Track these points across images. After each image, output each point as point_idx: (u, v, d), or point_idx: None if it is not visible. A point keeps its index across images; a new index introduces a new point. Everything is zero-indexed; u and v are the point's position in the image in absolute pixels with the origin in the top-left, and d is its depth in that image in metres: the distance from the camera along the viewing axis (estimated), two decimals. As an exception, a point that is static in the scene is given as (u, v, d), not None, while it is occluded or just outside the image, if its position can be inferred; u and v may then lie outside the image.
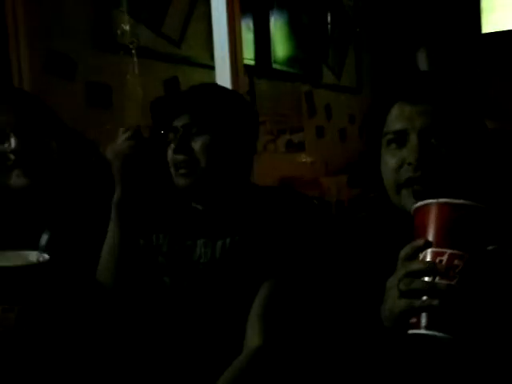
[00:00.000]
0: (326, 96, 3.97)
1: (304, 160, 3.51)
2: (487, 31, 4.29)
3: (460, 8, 4.21)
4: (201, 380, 1.06)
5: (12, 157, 1.14)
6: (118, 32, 2.38)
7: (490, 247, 0.78)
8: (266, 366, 1.03)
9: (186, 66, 2.68)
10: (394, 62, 4.29)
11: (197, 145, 1.12)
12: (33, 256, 0.97)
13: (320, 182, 3.17)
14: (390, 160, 0.97)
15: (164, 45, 2.60)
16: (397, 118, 0.97)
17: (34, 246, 0.99)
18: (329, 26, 4.07)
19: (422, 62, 4.44)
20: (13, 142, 1.13)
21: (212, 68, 2.57)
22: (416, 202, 0.86)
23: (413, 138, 0.94)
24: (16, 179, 1.15)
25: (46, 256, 0.97)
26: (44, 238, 0.99)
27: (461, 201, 0.79)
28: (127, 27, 2.43)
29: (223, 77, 2.37)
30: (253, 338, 1.05)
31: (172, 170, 1.15)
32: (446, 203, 0.79)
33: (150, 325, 1.15)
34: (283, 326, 1.07)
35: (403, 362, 0.89)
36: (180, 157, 1.12)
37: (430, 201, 0.80)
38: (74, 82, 2.16)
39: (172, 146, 1.14)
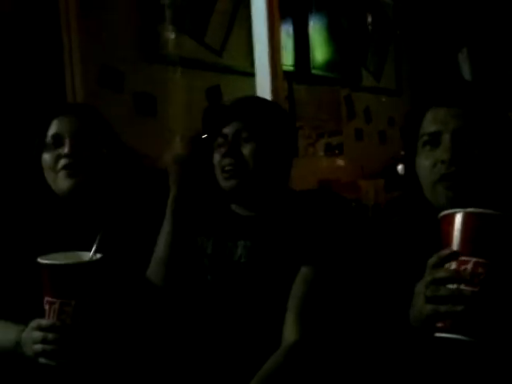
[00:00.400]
0: (366, 99, 3.99)
1: (342, 163, 3.55)
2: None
3: (502, 9, 4.15)
4: (239, 374, 1.14)
5: (64, 161, 1.23)
6: (163, 43, 2.50)
7: None
8: (303, 361, 1.10)
9: (227, 74, 2.78)
10: (434, 63, 4.26)
11: (246, 150, 1.22)
12: (86, 255, 1.07)
13: (358, 185, 3.20)
14: (425, 160, 1.04)
15: (206, 54, 2.71)
16: (431, 121, 1.05)
17: (85, 248, 1.08)
18: (368, 28, 4.07)
19: (464, 64, 4.39)
20: (67, 147, 1.23)
21: (252, 75, 2.65)
22: (451, 195, 0.94)
23: (446, 138, 1.02)
24: (63, 181, 1.23)
25: (99, 255, 1.06)
26: (96, 239, 1.08)
27: (485, 210, 0.83)
28: (171, 38, 2.55)
29: (263, 83, 2.44)
30: (290, 333, 1.13)
31: (219, 173, 1.24)
32: (471, 213, 0.84)
33: (192, 320, 1.23)
34: (319, 322, 1.14)
35: (429, 363, 0.96)
36: (229, 160, 1.22)
37: (456, 210, 0.85)
38: (123, 93, 2.29)
39: (221, 150, 1.23)
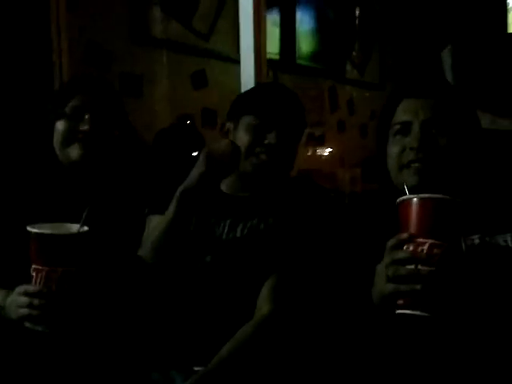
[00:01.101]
0: (349, 91, 4.05)
1: (323, 153, 3.60)
2: (513, 31, 4.29)
3: (486, 8, 4.22)
4: (214, 344, 1.17)
5: (81, 136, 1.25)
6: (151, 25, 2.52)
7: (465, 237, 0.90)
8: (273, 333, 1.15)
9: (213, 59, 2.80)
10: (418, 59, 4.33)
11: (272, 137, 1.27)
12: (74, 227, 1.09)
13: (336, 176, 3.26)
14: (394, 147, 1.10)
15: (193, 38, 2.73)
16: (403, 111, 1.11)
17: (76, 219, 1.11)
18: (355, 21, 4.12)
19: (447, 61, 4.46)
20: (87, 124, 1.25)
21: (238, 62, 2.68)
22: (417, 179, 1.01)
23: (415, 128, 1.08)
24: (73, 150, 1.26)
25: (86, 228, 1.09)
26: (84, 213, 1.11)
27: (440, 196, 0.89)
28: (159, 21, 2.56)
29: (247, 70, 2.48)
30: (262, 306, 1.18)
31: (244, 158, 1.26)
32: (426, 198, 0.90)
33: (171, 290, 1.27)
34: (291, 299, 1.19)
35: (391, 338, 1.02)
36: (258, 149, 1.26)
37: (413, 196, 0.91)
38: (110, 72, 2.31)
39: (272, 135, 1.26)
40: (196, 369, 1.18)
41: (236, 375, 1.10)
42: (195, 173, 1.17)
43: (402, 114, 1.11)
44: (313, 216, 1.28)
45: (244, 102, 1.34)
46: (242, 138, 1.28)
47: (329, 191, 1.44)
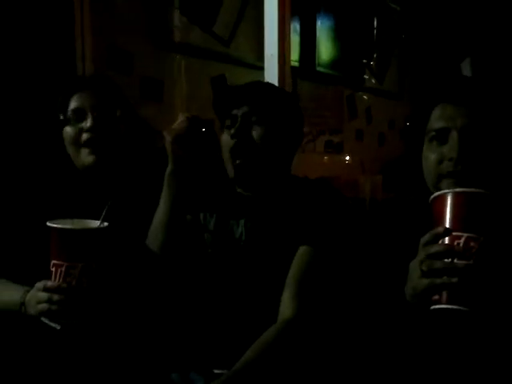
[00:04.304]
0: (368, 100, 4.04)
1: (342, 161, 3.59)
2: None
3: (505, 20, 4.19)
4: (234, 349, 1.16)
5: (86, 135, 1.27)
6: (172, 30, 2.53)
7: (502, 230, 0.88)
8: (297, 337, 1.14)
9: (234, 65, 2.81)
10: (437, 69, 4.31)
11: (254, 132, 1.24)
12: (93, 223, 1.11)
13: (357, 182, 3.24)
14: (431, 155, 1.08)
15: (214, 44, 2.73)
16: (440, 117, 1.08)
17: (95, 218, 1.12)
18: (374, 31, 4.12)
19: (467, 72, 4.43)
20: (89, 121, 1.26)
21: (258, 68, 2.69)
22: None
23: (454, 136, 1.04)
24: (86, 157, 1.27)
25: (106, 223, 1.10)
26: (104, 209, 1.11)
27: (474, 189, 0.89)
28: (181, 26, 2.58)
29: (271, 77, 2.49)
30: (286, 309, 1.16)
31: (226, 154, 1.26)
32: (461, 192, 0.89)
33: (191, 292, 1.27)
34: (315, 300, 1.18)
35: (425, 336, 1.00)
36: (236, 141, 1.24)
37: (447, 191, 0.90)
38: (132, 76, 2.32)
39: (231, 131, 1.25)
40: (216, 371, 1.17)
41: (260, 379, 1.08)
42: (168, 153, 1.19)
43: (438, 120, 1.08)
44: (330, 214, 1.26)
45: (220, 105, 1.33)
46: (222, 141, 1.28)
47: (346, 197, 1.43)
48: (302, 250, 1.22)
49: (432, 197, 0.92)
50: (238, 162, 1.25)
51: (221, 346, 1.22)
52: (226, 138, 1.27)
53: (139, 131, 1.37)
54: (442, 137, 1.06)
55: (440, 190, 1.04)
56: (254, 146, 1.24)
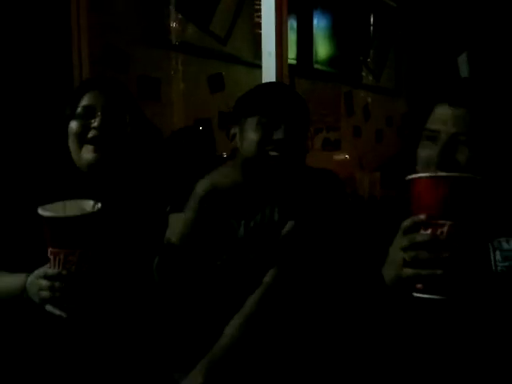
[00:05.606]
0: (365, 97, 4.04)
1: (340, 158, 3.59)
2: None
3: (503, 15, 4.20)
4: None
5: (93, 133, 1.27)
6: (169, 28, 2.53)
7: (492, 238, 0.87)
8: (278, 296, 1.16)
9: (230, 63, 2.81)
10: (434, 66, 4.31)
11: (280, 133, 1.27)
12: (87, 204, 1.08)
13: (355, 179, 3.24)
14: (423, 151, 1.07)
15: (211, 42, 2.74)
16: (435, 118, 1.07)
17: None
18: (371, 28, 4.12)
19: (463, 68, 4.44)
20: (98, 120, 1.26)
21: (255, 66, 2.69)
22: None
23: (442, 139, 1.03)
24: (87, 153, 1.26)
25: (99, 205, 1.07)
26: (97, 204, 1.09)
27: (457, 174, 0.86)
28: (177, 24, 2.57)
29: (269, 75, 2.49)
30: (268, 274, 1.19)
31: (253, 147, 1.27)
32: (444, 176, 0.86)
33: (196, 292, 1.27)
34: (296, 265, 1.19)
35: (404, 320, 0.99)
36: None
37: (429, 174, 0.87)
38: (128, 75, 2.32)
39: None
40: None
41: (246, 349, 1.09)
42: None
43: (433, 121, 1.07)
44: (328, 207, 1.27)
45: (247, 104, 1.33)
46: (251, 138, 1.28)
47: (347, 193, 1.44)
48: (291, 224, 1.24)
49: (410, 177, 0.89)
50: (273, 153, 1.26)
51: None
52: (252, 136, 1.28)
53: (146, 137, 1.37)
54: (433, 137, 1.06)
55: None
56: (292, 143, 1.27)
